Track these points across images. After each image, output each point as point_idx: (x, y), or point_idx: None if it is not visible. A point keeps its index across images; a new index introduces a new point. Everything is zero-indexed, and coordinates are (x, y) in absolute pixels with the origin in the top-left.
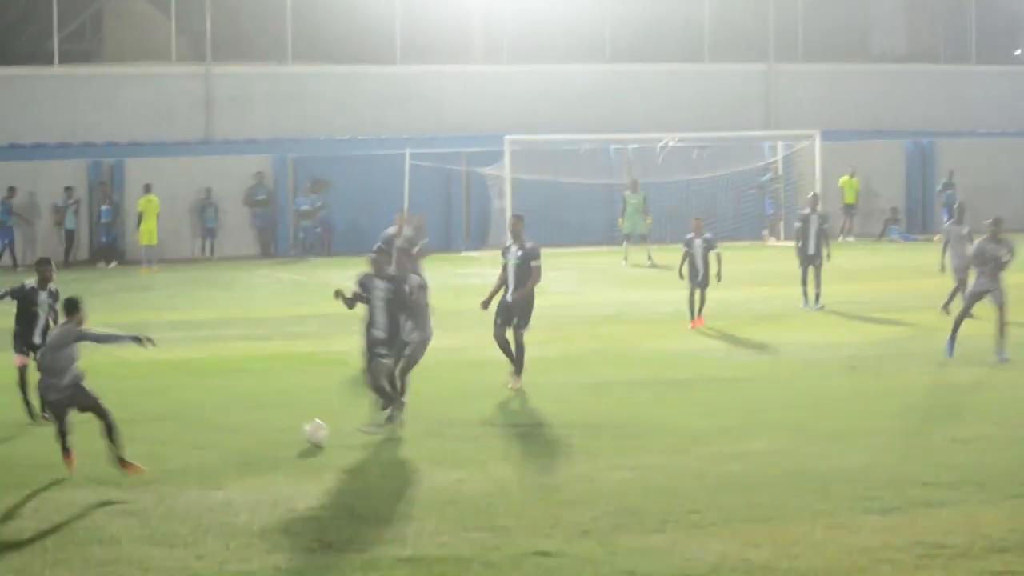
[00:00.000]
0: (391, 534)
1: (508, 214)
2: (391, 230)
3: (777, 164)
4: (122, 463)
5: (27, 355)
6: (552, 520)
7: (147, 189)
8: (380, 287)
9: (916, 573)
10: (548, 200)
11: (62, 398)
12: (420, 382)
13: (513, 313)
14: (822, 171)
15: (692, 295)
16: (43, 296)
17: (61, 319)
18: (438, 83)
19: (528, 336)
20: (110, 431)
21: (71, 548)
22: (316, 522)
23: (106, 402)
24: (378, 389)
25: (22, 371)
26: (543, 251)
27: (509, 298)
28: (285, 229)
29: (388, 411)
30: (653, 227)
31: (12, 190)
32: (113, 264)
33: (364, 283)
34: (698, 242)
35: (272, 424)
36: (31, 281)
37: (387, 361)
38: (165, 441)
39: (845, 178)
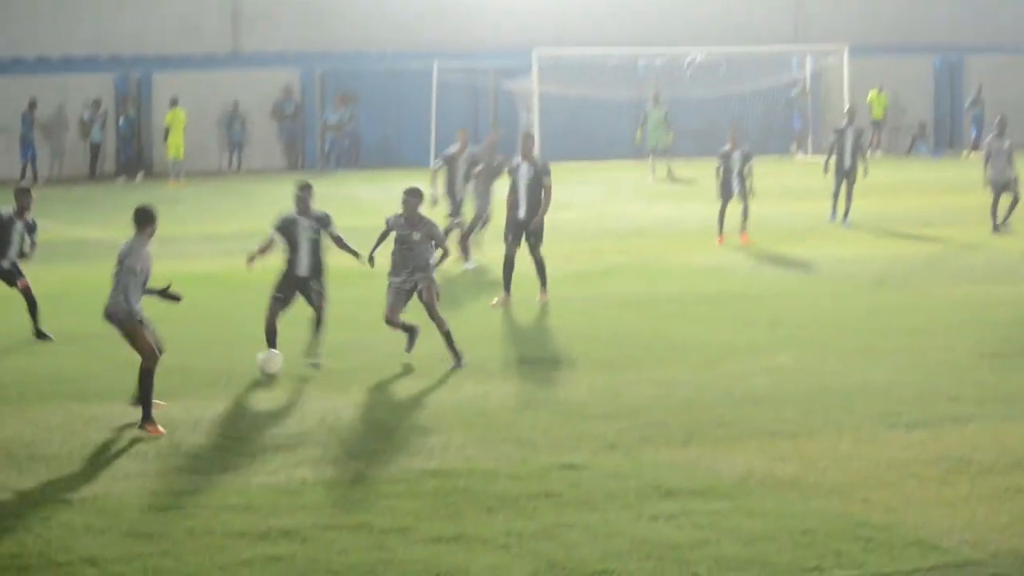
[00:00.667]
0: (417, 447)
1: (536, 128)
2: (453, 148)
3: (805, 79)
4: (144, 420)
5: None
6: (578, 433)
7: (174, 102)
8: (304, 225)
9: (942, 488)
10: (575, 115)
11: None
12: (448, 295)
13: (526, 231)
14: (850, 86)
15: (723, 210)
16: (19, 225)
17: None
18: None
19: (555, 250)
20: (146, 376)
21: (100, 460)
22: (343, 435)
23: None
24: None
25: None
26: (570, 165)
27: (521, 216)
28: (313, 142)
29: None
30: (680, 142)
31: (33, 103)
32: (138, 177)
33: (283, 226)
34: (736, 155)
35: (298, 337)
36: (8, 209)
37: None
38: (193, 353)
39: (873, 93)
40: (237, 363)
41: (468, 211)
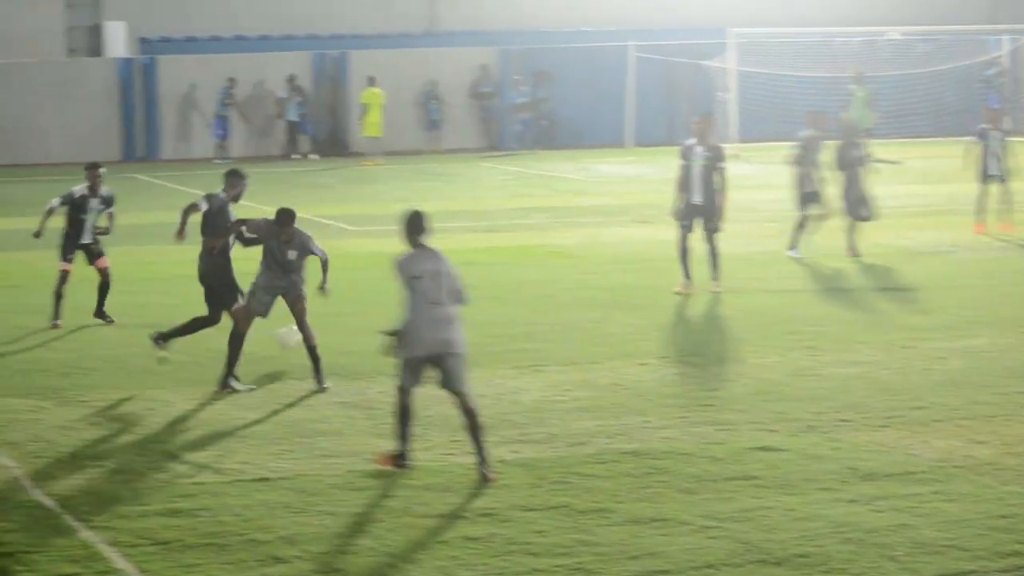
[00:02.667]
0: (616, 427)
1: (732, 105)
2: (807, 132)
3: (1003, 58)
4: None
5: (71, 262)
6: (775, 415)
7: (371, 81)
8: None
9: None
10: (771, 93)
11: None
12: (643, 276)
13: (702, 216)
14: None
15: (984, 192)
16: (94, 202)
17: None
18: None
19: (754, 230)
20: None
21: (298, 438)
22: (540, 416)
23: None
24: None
25: (63, 278)
26: (767, 145)
27: (698, 201)
28: (510, 122)
29: None
30: (877, 122)
31: (232, 81)
32: (313, 156)
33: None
34: (995, 134)
35: (495, 317)
36: (81, 187)
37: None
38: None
39: None
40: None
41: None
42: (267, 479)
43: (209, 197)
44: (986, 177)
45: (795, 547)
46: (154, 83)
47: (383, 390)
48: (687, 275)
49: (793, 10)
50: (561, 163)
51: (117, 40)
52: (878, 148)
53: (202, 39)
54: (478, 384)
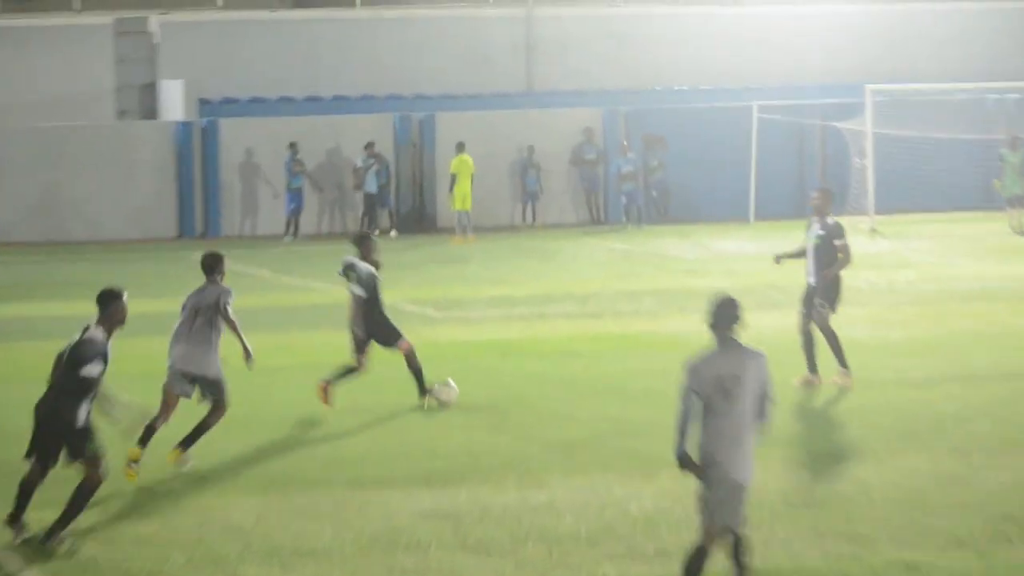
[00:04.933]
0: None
1: (869, 173)
2: None
3: None
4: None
5: None
6: (919, 528)
7: (460, 148)
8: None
9: None
10: (914, 158)
11: None
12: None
13: (816, 297)
14: None
15: None
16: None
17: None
18: (788, 24)
19: (887, 315)
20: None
21: (374, 554)
22: (650, 527)
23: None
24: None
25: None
26: (907, 217)
27: (812, 281)
28: (615, 192)
29: None
30: None
31: (294, 146)
32: (392, 233)
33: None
34: None
35: (601, 414)
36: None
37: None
38: (482, 433)
39: None
40: (536, 445)
41: None
42: None
43: None
44: None
45: None
46: (215, 149)
47: (469, 499)
48: (812, 368)
49: (940, 64)
50: (673, 239)
51: (174, 101)
52: None
53: (270, 100)
54: (581, 490)
